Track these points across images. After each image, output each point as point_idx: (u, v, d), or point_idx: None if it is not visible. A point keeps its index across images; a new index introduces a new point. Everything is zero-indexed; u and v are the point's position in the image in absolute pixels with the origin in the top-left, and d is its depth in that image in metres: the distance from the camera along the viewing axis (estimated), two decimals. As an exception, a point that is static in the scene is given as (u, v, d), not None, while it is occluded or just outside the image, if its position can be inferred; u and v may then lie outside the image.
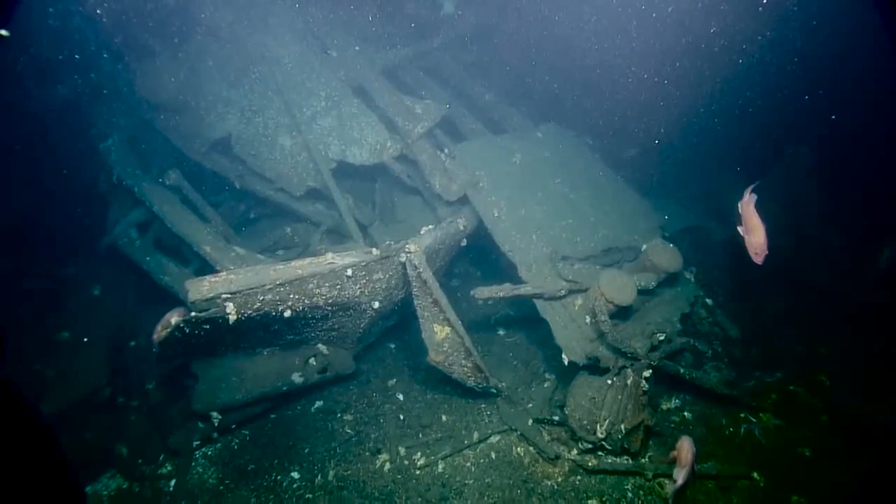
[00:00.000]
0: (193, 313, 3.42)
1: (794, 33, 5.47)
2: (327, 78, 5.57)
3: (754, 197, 3.48)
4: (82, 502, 2.76)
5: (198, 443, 4.59)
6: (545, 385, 5.03)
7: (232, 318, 3.52)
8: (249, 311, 3.63)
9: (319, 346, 4.73)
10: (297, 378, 4.60)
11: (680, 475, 3.57)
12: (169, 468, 4.54)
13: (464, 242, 5.06)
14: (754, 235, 3.46)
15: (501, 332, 5.82)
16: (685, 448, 3.58)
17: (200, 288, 3.37)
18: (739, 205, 3.54)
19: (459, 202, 5.23)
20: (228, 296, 3.43)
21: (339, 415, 4.95)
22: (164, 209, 4.81)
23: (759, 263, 3.47)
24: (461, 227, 4.82)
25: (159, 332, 3.49)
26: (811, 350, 4.96)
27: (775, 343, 5.09)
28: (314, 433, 4.78)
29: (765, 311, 5.20)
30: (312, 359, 4.71)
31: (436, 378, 4.93)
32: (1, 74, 5.59)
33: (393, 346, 5.71)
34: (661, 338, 4.55)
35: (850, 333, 4.99)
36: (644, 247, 4.84)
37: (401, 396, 5.12)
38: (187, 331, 3.55)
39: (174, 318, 3.51)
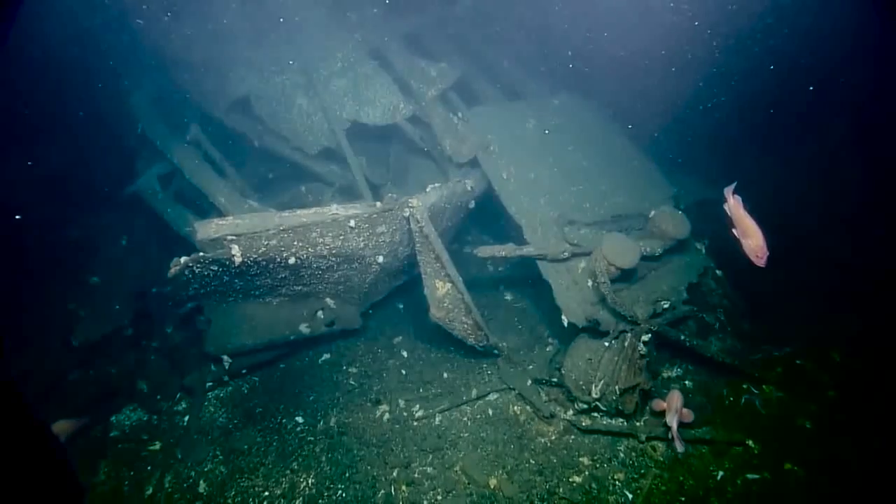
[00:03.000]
0: (201, 253, 3.61)
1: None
2: (344, 39, 5.65)
3: (739, 199, 3.28)
4: (81, 502, 2.85)
5: (210, 384, 4.86)
6: (547, 349, 5.06)
7: (237, 259, 3.70)
8: (254, 255, 3.80)
9: (327, 300, 4.90)
10: (304, 329, 4.79)
11: (673, 421, 3.65)
12: (184, 405, 4.85)
13: (472, 205, 5.10)
14: (751, 239, 3.26)
15: (509, 298, 5.87)
16: (674, 396, 3.66)
17: (208, 229, 3.56)
18: (727, 208, 3.33)
19: (470, 165, 5.26)
20: (234, 237, 3.60)
21: (344, 367, 5.13)
22: (184, 161, 5.04)
23: (762, 266, 3.30)
24: (468, 188, 4.86)
25: (171, 271, 3.69)
26: (825, 327, 4.79)
27: (787, 318, 4.94)
28: (320, 383, 4.98)
29: (778, 286, 5.03)
30: (320, 312, 4.88)
31: (440, 338, 5.03)
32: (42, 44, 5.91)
33: (401, 305, 5.84)
34: (665, 305, 4.52)
35: (869, 312, 4.79)
36: (652, 213, 4.76)
37: (405, 353, 5.26)
38: (196, 270, 3.75)
39: (184, 258, 3.70)
